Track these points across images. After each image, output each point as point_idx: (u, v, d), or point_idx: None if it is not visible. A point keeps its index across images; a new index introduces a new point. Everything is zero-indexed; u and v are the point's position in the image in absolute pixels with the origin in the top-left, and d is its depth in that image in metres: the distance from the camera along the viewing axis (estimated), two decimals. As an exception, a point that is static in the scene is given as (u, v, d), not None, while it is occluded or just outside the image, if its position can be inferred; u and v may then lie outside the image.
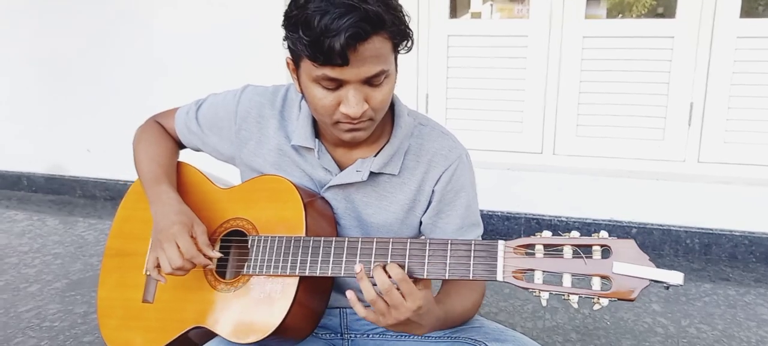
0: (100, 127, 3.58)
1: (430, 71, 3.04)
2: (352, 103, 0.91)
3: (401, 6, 0.92)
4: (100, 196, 3.70)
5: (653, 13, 3.29)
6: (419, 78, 3.06)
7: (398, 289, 0.87)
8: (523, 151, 3.00)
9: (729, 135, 2.73)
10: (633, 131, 2.84)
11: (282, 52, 1.00)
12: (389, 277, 0.87)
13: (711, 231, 2.69)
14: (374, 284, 0.89)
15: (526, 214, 2.90)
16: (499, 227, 2.93)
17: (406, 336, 1.15)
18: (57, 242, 2.94)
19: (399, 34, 0.91)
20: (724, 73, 2.67)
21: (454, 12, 3.04)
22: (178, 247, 1.00)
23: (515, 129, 2.99)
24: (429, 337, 1.11)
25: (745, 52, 2.63)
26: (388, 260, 0.91)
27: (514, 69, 2.92)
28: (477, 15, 3.29)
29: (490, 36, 2.94)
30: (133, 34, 3.36)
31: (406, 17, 0.93)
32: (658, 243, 2.75)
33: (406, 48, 0.95)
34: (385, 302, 0.88)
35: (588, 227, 2.80)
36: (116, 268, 1.21)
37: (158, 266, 1.04)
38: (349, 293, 0.90)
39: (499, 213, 2.91)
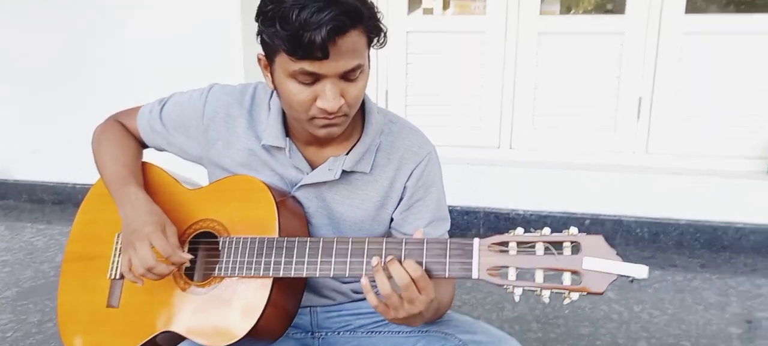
0: (47, 129, 3.42)
1: (390, 68, 3.05)
2: (329, 97, 0.91)
3: (373, 2, 0.94)
4: (48, 200, 3.54)
5: (603, 10, 3.39)
6: (379, 74, 3.07)
7: (415, 284, 0.88)
8: (481, 146, 3.05)
9: (675, 128, 2.85)
10: (586, 125, 2.93)
11: (253, 54, 0.99)
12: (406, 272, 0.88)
13: (659, 220, 2.81)
14: (389, 277, 0.89)
15: (484, 208, 2.95)
16: (459, 221, 2.97)
17: (377, 332, 1.16)
18: (4, 249, 2.80)
19: (374, 29, 0.93)
20: (670, 68, 2.78)
21: (408, 7, 3.05)
22: (152, 247, 0.98)
23: (474, 124, 3.04)
24: (399, 332, 1.13)
25: (691, 48, 2.75)
26: (364, 259, 0.92)
27: (472, 65, 2.97)
28: (429, 11, 3.28)
29: (449, 32, 2.98)
30: (82, 35, 3.21)
31: (379, 13, 0.94)
32: (610, 233, 2.85)
33: (379, 43, 0.96)
34: (400, 296, 0.88)
35: (544, 220, 2.88)
36: (79, 272, 1.17)
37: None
38: (364, 280, 0.89)
39: (458, 208, 2.96)
